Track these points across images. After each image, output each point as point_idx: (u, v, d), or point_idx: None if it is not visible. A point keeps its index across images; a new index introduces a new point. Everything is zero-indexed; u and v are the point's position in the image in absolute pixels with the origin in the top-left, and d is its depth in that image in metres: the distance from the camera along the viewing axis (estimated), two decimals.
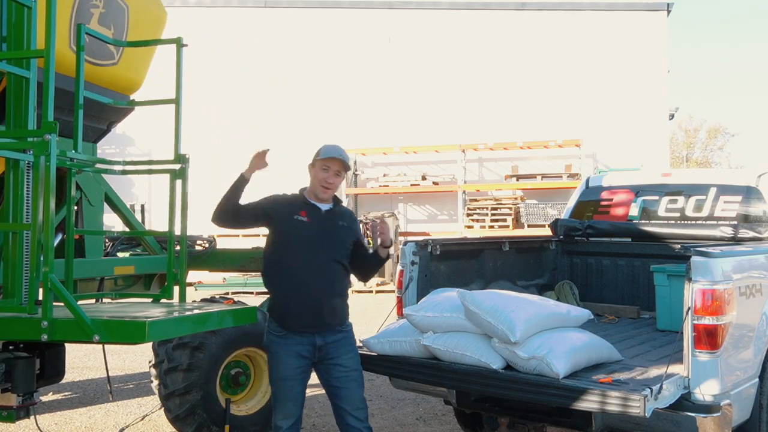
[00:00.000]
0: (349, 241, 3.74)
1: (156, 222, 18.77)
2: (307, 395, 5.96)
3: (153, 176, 16.78)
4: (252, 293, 15.15)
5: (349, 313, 3.76)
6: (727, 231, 5.26)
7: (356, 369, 3.70)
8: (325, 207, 3.74)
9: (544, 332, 3.71)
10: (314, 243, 3.62)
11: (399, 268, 4.65)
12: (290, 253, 3.62)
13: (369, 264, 3.84)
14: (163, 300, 4.35)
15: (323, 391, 3.78)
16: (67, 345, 4.30)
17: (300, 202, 3.72)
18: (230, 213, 3.62)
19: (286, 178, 18.30)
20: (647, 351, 4.31)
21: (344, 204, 3.97)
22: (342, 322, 3.69)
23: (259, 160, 3.66)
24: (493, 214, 17.82)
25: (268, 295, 3.83)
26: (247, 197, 3.69)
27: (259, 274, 3.87)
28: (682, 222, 5.66)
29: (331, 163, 3.66)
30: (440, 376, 3.84)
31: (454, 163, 18.92)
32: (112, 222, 6.60)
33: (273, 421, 3.66)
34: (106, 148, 19.22)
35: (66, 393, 6.88)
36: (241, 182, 3.61)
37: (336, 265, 3.66)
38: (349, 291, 3.85)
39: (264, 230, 3.75)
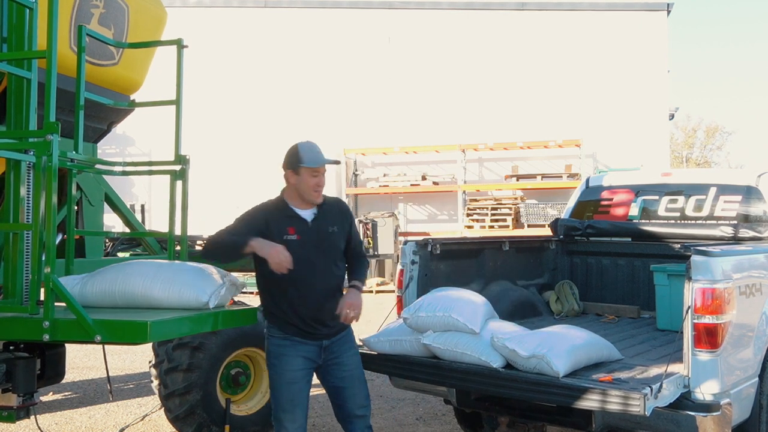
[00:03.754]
0: (342, 243, 3.62)
1: (156, 222, 18.77)
2: None
3: (153, 176, 16.82)
4: (252, 293, 15.13)
5: None
6: (727, 231, 5.27)
7: (359, 366, 3.67)
8: (310, 215, 3.53)
9: (544, 331, 3.73)
10: (309, 262, 3.45)
11: (399, 267, 4.66)
12: (290, 275, 3.39)
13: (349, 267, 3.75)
14: None
15: (323, 391, 3.77)
16: (67, 345, 4.30)
17: (285, 217, 3.50)
18: (227, 256, 3.55)
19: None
20: (647, 350, 4.32)
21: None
22: (345, 325, 3.62)
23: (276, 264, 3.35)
24: (493, 214, 17.82)
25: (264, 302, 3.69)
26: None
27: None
28: (682, 222, 5.66)
29: (321, 169, 3.51)
30: (440, 375, 3.85)
31: (454, 163, 18.92)
32: (112, 222, 6.60)
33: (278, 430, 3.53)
34: (106, 148, 19.21)
35: (66, 393, 6.89)
36: (242, 247, 3.39)
37: (333, 272, 3.58)
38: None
39: None
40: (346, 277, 3.72)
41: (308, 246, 3.47)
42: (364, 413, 3.62)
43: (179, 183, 4.25)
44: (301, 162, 3.47)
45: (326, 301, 3.52)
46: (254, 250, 3.36)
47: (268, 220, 3.50)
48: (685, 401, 3.33)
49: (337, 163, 3.76)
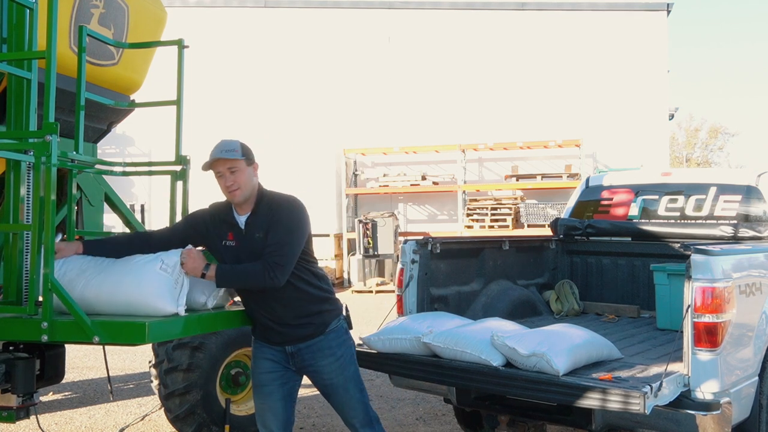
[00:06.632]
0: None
1: (156, 222, 18.77)
2: (306, 395, 5.98)
3: (153, 176, 16.85)
4: None
5: (324, 316, 3.42)
6: (727, 230, 5.27)
7: (339, 374, 3.41)
8: (243, 219, 3.35)
9: (544, 330, 3.73)
10: None
11: (399, 266, 4.66)
12: None
13: None
14: None
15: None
16: (67, 345, 4.31)
17: (224, 222, 3.37)
18: (147, 250, 3.30)
19: (285, 177, 18.32)
20: (647, 349, 4.32)
21: (272, 199, 3.39)
22: (313, 332, 3.38)
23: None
24: (493, 214, 17.82)
25: None
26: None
27: None
28: (682, 221, 5.67)
29: (218, 167, 3.27)
30: (440, 373, 3.85)
31: (454, 163, 18.93)
32: (112, 222, 6.60)
33: None
34: (106, 148, 19.22)
35: (66, 393, 6.89)
36: (90, 251, 3.32)
37: None
38: (321, 293, 3.44)
39: None
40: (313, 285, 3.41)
41: (244, 252, 3.30)
42: (358, 422, 3.45)
43: (179, 183, 4.24)
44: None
45: (273, 306, 3.34)
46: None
47: (208, 225, 3.40)
48: (685, 400, 3.33)
49: (210, 165, 3.31)
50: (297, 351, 3.40)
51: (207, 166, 3.31)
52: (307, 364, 3.41)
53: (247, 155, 3.31)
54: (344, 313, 3.59)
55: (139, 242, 3.44)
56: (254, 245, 3.28)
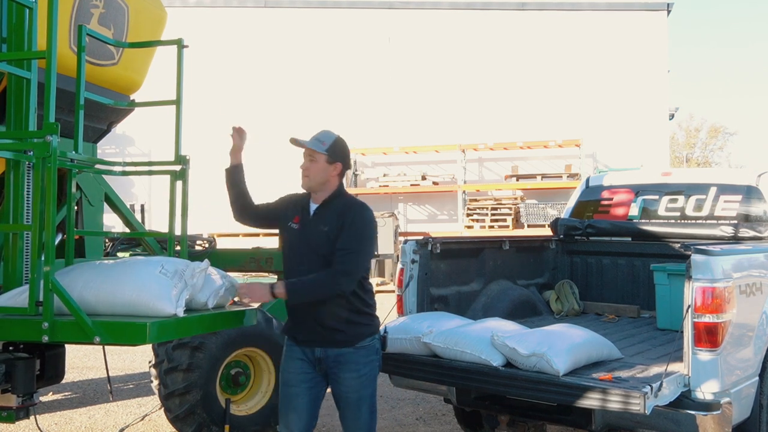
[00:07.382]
0: (325, 249, 3.25)
1: (156, 222, 18.77)
2: None
3: (153, 176, 16.83)
4: None
5: (359, 329, 3.31)
6: (727, 230, 5.27)
7: (357, 391, 3.31)
8: (314, 208, 3.39)
9: (544, 330, 3.73)
10: (296, 255, 3.33)
11: (399, 266, 4.65)
12: (285, 264, 3.42)
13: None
14: None
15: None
16: (67, 345, 4.30)
17: (299, 206, 3.45)
18: (243, 211, 3.56)
19: (286, 178, 18.32)
20: (647, 349, 4.32)
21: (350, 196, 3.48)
22: (344, 340, 3.29)
23: (236, 138, 3.72)
24: (493, 214, 17.83)
25: None
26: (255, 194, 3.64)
27: (258, 274, 3.85)
28: (682, 221, 5.66)
29: (304, 152, 3.45)
30: (440, 373, 3.85)
31: (454, 163, 18.93)
32: (112, 222, 6.60)
33: None
34: (106, 148, 19.23)
35: (66, 393, 6.89)
36: (231, 172, 3.63)
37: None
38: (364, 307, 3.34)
39: (264, 230, 3.72)
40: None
41: (303, 239, 3.34)
42: None
43: (179, 183, 4.24)
44: None
45: (309, 313, 3.28)
46: (232, 154, 3.76)
47: (287, 205, 3.53)
48: (685, 400, 3.33)
49: (297, 144, 3.46)
50: (325, 357, 3.32)
51: (296, 143, 3.45)
52: (330, 372, 3.34)
53: (332, 153, 3.39)
54: (382, 333, 3.52)
55: (250, 201, 3.63)
56: (315, 236, 3.31)
